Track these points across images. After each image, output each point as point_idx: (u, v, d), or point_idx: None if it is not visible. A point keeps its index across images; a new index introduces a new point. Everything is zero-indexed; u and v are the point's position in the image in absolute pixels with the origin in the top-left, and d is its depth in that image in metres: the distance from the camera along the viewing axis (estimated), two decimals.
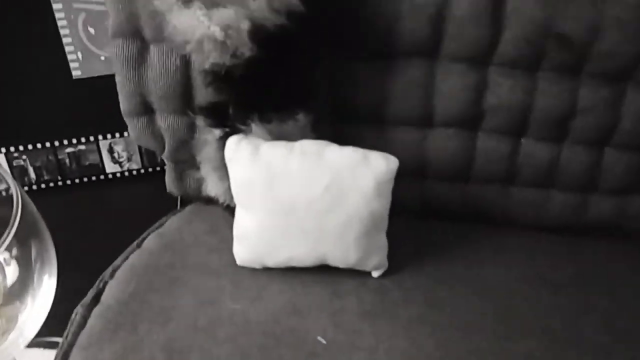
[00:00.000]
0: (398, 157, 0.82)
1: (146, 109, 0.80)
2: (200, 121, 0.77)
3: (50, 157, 1.15)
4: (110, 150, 1.18)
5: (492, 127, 0.79)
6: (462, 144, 0.80)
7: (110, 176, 1.20)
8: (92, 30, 1.04)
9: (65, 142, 1.14)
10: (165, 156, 0.85)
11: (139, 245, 0.80)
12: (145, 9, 0.73)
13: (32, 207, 0.59)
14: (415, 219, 0.84)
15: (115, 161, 1.19)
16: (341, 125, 0.80)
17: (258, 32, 0.66)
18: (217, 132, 0.75)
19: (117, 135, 1.16)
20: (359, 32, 0.73)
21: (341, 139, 0.79)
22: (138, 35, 0.76)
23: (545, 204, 0.84)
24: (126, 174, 1.20)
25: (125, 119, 0.83)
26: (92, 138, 1.15)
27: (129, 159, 1.19)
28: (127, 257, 0.77)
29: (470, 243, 0.81)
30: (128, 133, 1.14)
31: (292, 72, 0.70)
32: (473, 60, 0.75)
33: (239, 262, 0.74)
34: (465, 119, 0.79)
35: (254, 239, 0.71)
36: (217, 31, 0.67)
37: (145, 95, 0.79)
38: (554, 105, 0.77)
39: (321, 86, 0.74)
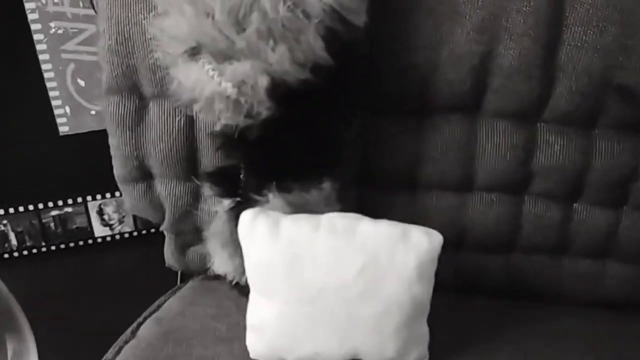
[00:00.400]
0: (432, 226, 0.72)
1: (144, 175, 0.70)
2: (207, 190, 0.67)
3: (33, 221, 1.04)
4: (100, 212, 1.07)
5: (540, 190, 0.69)
6: (506, 209, 0.70)
7: (99, 240, 1.08)
8: (82, 83, 0.94)
9: (50, 204, 1.03)
10: (164, 228, 0.74)
11: (133, 333, 0.68)
12: (144, 62, 0.64)
13: (9, 297, 0.49)
14: (453, 295, 0.73)
15: (105, 224, 1.08)
16: (368, 190, 0.70)
17: (278, 89, 0.57)
18: (227, 203, 0.65)
19: (108, 195, 1.05)
20: (391, 85, 0.64)
21: (368, 205, 0.70)
22: (136, 91, 0.66)
23: (601, 277, 0.74)
24: (117, 237, 1.09)
25: (119, 185, 0.72)
26: (79, 199, 1.04)
27: (121, 221, 1.08)
28: (119, 350, 0.65)
29: (518, 325, 0.70)
30: (120, 193, 1.04)
31: (317, 134, 0.60)
32: (520, 116, 0.66)
33: (252, 355, 0.63)
34: (511, 182, 0.69)
35: (272, 330, 0.60)
36: (229, 87, 0.57)
37: (143, 159, 0.69)
38: (613, 166, 0.67)
39: (349, 148, 0.64)
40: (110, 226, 1.09)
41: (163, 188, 0.70)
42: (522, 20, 0.61)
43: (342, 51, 0.57)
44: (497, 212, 0.70)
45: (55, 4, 0.88)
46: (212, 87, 0.57)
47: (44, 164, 1.00)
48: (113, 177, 0.74)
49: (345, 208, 0.64)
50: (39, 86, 0.93)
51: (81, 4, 0.89)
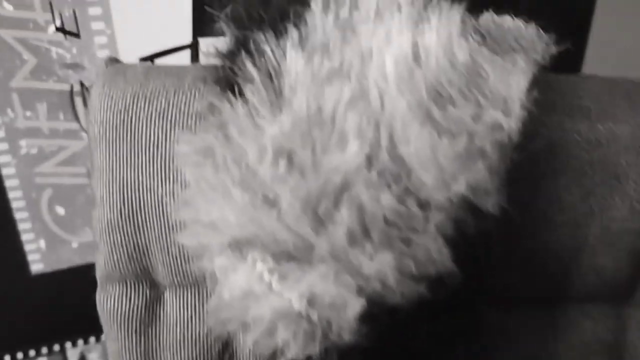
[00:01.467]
0: None
1: None
2: None
3: None
4: None
5: None
6: None
7: None
8: (61, 211, 0.74)
9: (20, 355, 0.81)
10: None
11: None
12: (160, 243, 0.44)
13: None
14: None
15: None
16: None
17: (376, 313, 0.37)
18: None
19: (92, 339, 0.84)
20: (518, 271, 0.45)
21: None
22: (146, 279, 0.46)
23: None
24: None
25: None
26: (57, 347, 0.83)
27: None
28: None
29: None
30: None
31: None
32: None
33: None
34: None
35: None
36: (295, 300, 0.38)
37: None
38: None
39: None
40: None
41: None
42: None
43: (469, 251, 0.39)
44: None
45: (28, 118, 0.68)
46: (272, 303, 0.38)
47: (12, 308, 0.79)
48: (97, 317, 0.54)
49: None
50: (6, 218, 0.72)
51: (61, 116, 0.69)
